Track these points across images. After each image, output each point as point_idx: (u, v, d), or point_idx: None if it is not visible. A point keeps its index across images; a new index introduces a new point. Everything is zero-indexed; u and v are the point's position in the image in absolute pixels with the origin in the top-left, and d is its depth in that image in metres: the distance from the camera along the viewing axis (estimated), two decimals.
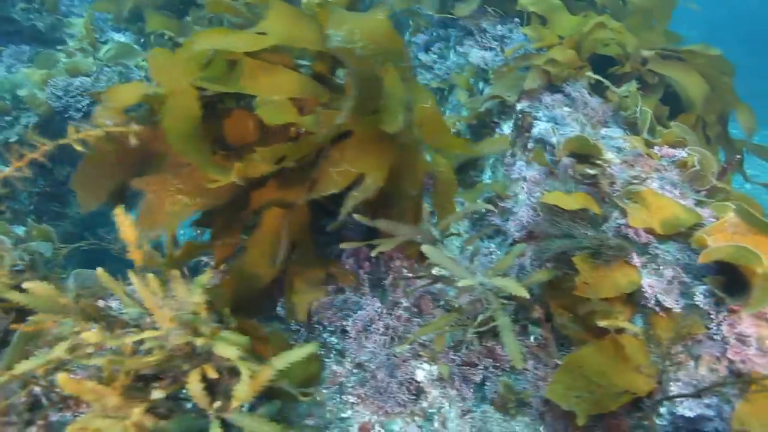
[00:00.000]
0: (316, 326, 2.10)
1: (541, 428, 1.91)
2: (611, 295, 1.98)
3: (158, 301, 1.36)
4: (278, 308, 2.24)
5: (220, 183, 1.92)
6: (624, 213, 2.11)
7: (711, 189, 2.45)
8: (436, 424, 1.85)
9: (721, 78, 3.59)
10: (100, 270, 1.69)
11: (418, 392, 1.92)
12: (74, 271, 2.18)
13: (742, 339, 1.71)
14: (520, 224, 2.42)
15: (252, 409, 1.77)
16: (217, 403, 1.53)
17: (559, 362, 2.01)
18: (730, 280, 1.86)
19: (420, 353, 1.98)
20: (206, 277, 1.55)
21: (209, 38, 1.96)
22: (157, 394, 1.48)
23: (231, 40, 2.02)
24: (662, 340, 1.83)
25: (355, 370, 1.98)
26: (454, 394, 1.93)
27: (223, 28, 2.05)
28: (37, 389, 1.64)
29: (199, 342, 1.34)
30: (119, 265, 1.89)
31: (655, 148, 2.56)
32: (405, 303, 2.15)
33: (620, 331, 1.93)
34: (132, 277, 1.44)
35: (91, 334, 1.29)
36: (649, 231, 2.06)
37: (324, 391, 1.92)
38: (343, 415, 1.86)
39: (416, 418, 1.86)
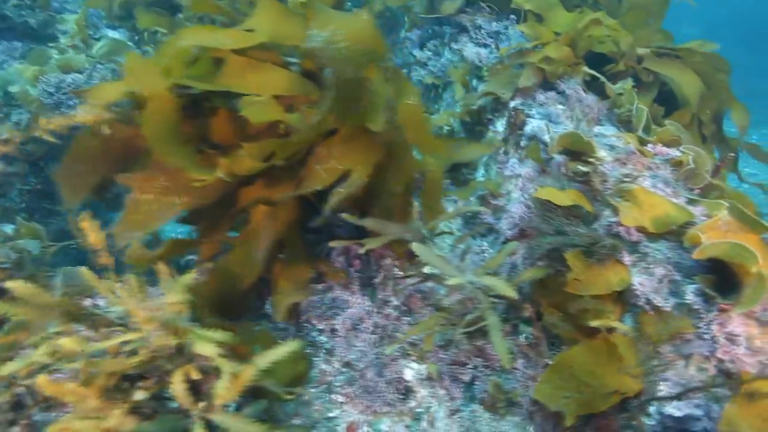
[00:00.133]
0: (305, 325, 2.08)
1: (530, 428, 1.90)
2: (602, 292, 1.97)
3: (137, 302, 1.35)
4: (268, 306, 2.23)
5: (206, 181, 1.90)
6: (615, 211, 2.10)
7: (705, 187, 2.43)
8: (424, 424, 1.84)
9: (717, 76, 3.56)
10: (83, 268, 1.68)
11: (407, 391, 1.90)
12: (62, 269, 2.17)
13: (731, 338, 1.69)
14: (512, 222, 2.41)
15: (238, 408, 1.76)
16: (202, 404, 1.53)
17: (549, 362, 2.00)
18: (721, 279, 1.85)
19: (409, 352, 1.97)
20: (189, 277, 1.53)
21: (195, 35, 1.95)
22: (139, 395, 1.46)
23: (218, 37, 2.00)
24: (652, 339, 1.82)
25: (343, 369, 1.97)
26: (443, 393, 1.91)
27: (210, 25, 2.03)
28: (20, 389, 1.63)
29: (173, 342, 1.32)
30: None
31: (649, 146, 2.55)
32: (395, 301, 2.13)
33: (611, 330, 1.92)
34: (110, 278, 1.43)
35: (68, 341, 1.27)
36: (641, 229, 2.04)
37: (312, 390, 1.91)
38: (331, 414, 1.84)
39: (404, 417, 1.85)
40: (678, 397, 1.61)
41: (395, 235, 2.04)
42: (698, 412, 1.62)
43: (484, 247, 2.55)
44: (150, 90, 1.81)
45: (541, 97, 2.91)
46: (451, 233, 2.69)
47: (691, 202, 2.23)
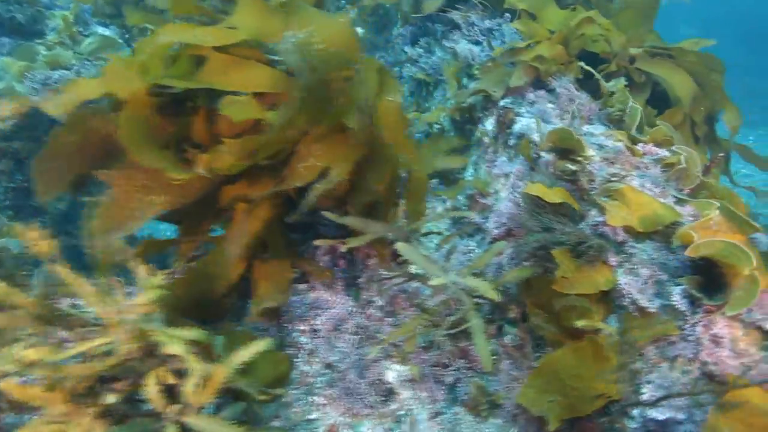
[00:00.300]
0: (286, 325, 2.05)
1: (513, 431, 1.87)
2: (589, 291, 1.95)
3: (105, 304, 1.32)
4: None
5: (185, 179, 1.87)
6: (602, 211, 2.07)
7: (696, 187, 2.41)
8: (405, 427, 1.81)
9: (711, 76, 3.53)
10: (59, 266, 1.65)
11: (388, 393, 1.88)
12: (40, 268, 2.13)
13: (716, 340, 1.67)
14: (499, 222, 2.38)
15: (217, 410, 1.73)
16: (176, 406, 1.50)
17: (534, 364, 1.98)
18: (707, 280, 1.82)
19: (391, 353, 1.94)
20: (160, 277, 1.50)
21: (175, 32, 1.91)
22: (110, 398, 1.44)
23: (198, 34, 1.97)
24: (636, 341, 1.79)
25: (324, 371, 1.94)
26: (425, 395, 1.89)
27: (189, 23, 2.00)
28: None
29: (139, 345, 1.30)
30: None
31: (639, 145, 2.52)
32: (378, 302, 2.11)
33: (596, 331, 1.90)
34: (78, 280, 1.40)
35: (31, 352, 1.25)
36: (627, 229, 2.02)
37: (292, 391, 1.88)
38: (311, 416, 1.82)
39: (385, 420, 1.82)
40: (656, 402, 1.58)
41: (378, 234, 2.01)
42: (681, 416, 1.60)
43: (471, 247, 2.52)
44: (127, 93, 1.78)
45: (531, 95, 2.88)
46: (439, 233, 2.66)
47: (679, 201, 2.21)
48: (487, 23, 3.92)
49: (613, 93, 3.06)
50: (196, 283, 1.89)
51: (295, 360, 1.98)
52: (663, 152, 2.45)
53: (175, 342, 1.32)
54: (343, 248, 2.11)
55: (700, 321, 1.74)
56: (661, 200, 2.14)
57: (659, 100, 3.45)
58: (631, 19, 3.72)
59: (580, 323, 1.90)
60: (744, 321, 1.69)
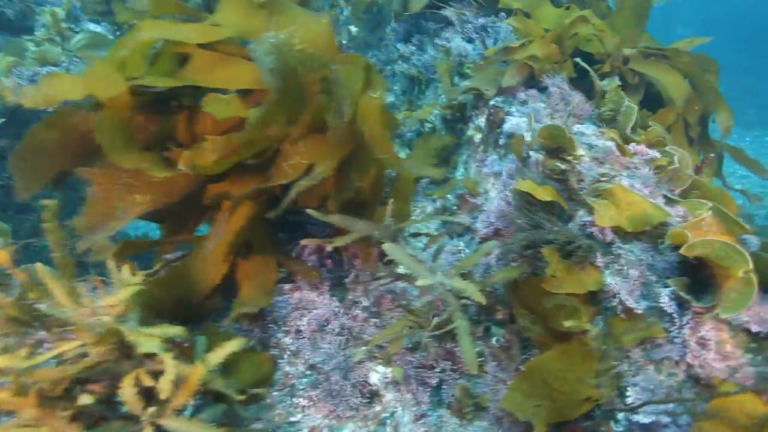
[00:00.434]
0: (270, 325, 2.03)
1: None
2: (578, 291, 1.92)
3: (75, 307, 1.30)
4: None
5: (168, 177, 1.85)
6: (590, 211, 2.05)
7: (688, 187, 2.40)
8: (388, 429, 1.79)
9: (705, 76, 3.51)
10: (39, 265, 1.63)
11: (372, 396, 1.86)
12: (21, 267, 2.10)
13: (702, 343, 1.65)
14: (487, 221, 2.36)
15: (196, 412, 1.71)
16: (152, 408, 1.47)
17: (520, 367, 1.96)
18: (694, 281, 1.80)
19: (375, 355, 1.92)
20: (137, 278, 1.48)
21: (157, 28, 1.89)
22: (84, 399, 1.41)
23: (182, 30, 1.94)
24: (623, 343, 1.77)
25: (307, 372, 1.91)
26: (409, 397, 1.87)
27: (171, 20, 1.97)
28: None
29: (106, 348, 1.27)
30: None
31: (631, 145, 2.50)
32: (364, 302, 2.08)
33: (583, 332, 1.87)
34: (53, 281, 1.38)
35: (2, 359, 1.23)
36: (615, 229, 2.00)
37: (275, 393, 1.86)
38: (293, 418, 1.79)
39: (368, 422, 1.80)
40: (638, 408, 1.56)
41: (363, 232, 1.98)
42: (666, 419, 1.58)
43: (460, 247, 2.49)
44: (106, 95, 1.76)
45: (522, 95, 2.86)
46: (428, 235, 2.64)
47: (669, 202, 2.19)
48: (481, 21, 3.89)
49: (605, 92, 3.04)
50: (177, 284, 1.86)
51: (279, 361, 1.95)
52: (653, 153, 2.43)
53: (151, 340, 1.30)
54: (329, 247, 2.09)
55: (687, 323, 1.72)
56: (651, 200, 2.12)
57: (653, 102, 3.42)
58: (625, 19, 3.69)
59: (567, 323, 1.88)
60: (731, 323, 1.67)
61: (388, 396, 1.85)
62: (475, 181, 2.70)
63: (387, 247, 1.95)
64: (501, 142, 2.67)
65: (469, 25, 3.89)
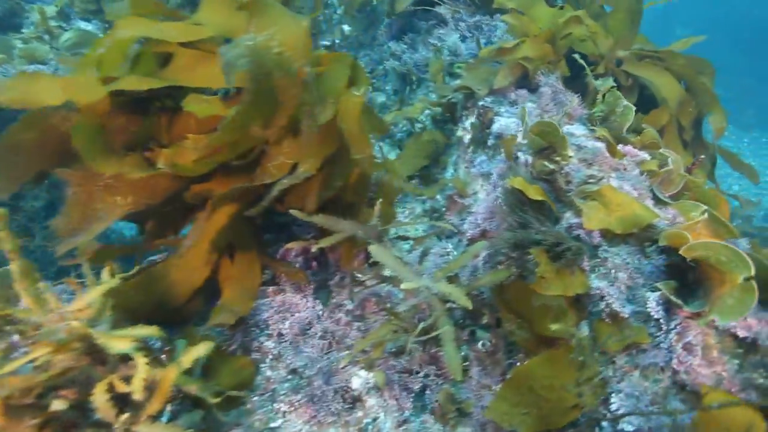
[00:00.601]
0: (253, 329, 2.00)
1: None
2: (566, 293, 1.89)
3: (43, 312, 1.27)
4: None
5: (144, 176, 1.82)
6: (577, 213, 2.03)
7: (681, 188, 2.37)
8: None
9: (699, 78, 3.48)
10: (13, 266, 1.60)
11: (354, 401, 1.83)
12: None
13: (688, 348, 1.62)
14: (475, 223, 2.33)
15: (173, 418, 1.68)
16: (125, 416, 1.44)
17: (506, 372, 1.93)
18: (681, 285, 1.78)
19: (358, 359, 1.89)
20: (113, 281, 1.45)
21: (136, 26, 1.86)
22: (57, 405, 1.38)
23: (162, 29, 1.91)
24: (608, 348, 1.75)
25: (289, 376, 1.89)
26: (392, 403, 1.84)
27: (151, 19, 1.94)
28: None
29: (71, 355, 1.24)
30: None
31: (620, 146, 2.47)
32: (348, 306, 2.06)
33: (570, 336, 1.84)
34: (24, 283, 1.35)
35: None
36: (603, 232, 1.97)
37: (255, 398, 1.83)
38: (273, 424, 1.76)
39: (350, 428, 1.77)
40: (621, 417, 1.54)
41: (347, 233, 1.95)
42: (650, 425, 1.55)
43: (448, 249, 2.47)
44: (85, 102, 1.73)
45: (512, 95, 2.83)
46: (413, 239, 2.61)
47: (660, 204, 2.16)
48: (475, 19, 3.86)
49: (599, 93, 3.01)
50: (155, 287, 1.83)
51: (260, 365, 1.92)
52: (644, 155, 2.40)
53: (121, 341, 1.27)
54: (314, 248, 2.06)
55: (673, 328, 1.69)
56: (640, 202, 2.10)
57: (647, 104, 3.40)
58: (619, 22, 3.66)
59: (554, 327, 1.85)
60: (718, 328, 1.64)
61: (371, 401, 1.83)
62: (465, 181, 2.67)
63: (372, 248, 1.92)
64: (490, 142, 2.64)
65: (463, 24, 3.87)
